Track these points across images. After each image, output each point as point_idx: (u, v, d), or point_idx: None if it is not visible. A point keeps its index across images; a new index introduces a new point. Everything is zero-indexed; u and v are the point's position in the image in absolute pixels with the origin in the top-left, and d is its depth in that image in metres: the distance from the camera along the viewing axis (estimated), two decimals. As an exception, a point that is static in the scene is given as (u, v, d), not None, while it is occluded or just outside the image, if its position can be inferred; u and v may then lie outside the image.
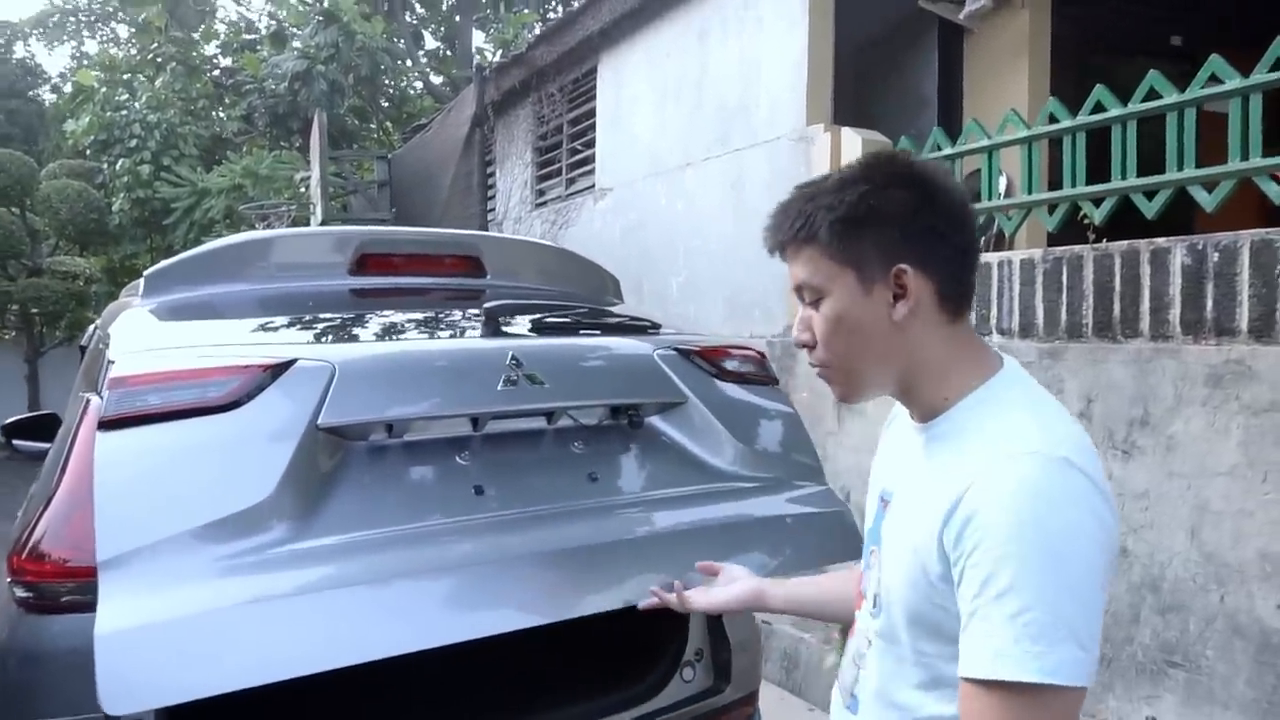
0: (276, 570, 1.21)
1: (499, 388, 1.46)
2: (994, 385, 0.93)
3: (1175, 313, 2.56)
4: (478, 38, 16.40)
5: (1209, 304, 2.48)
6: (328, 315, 1.79)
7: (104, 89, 11.77)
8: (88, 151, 12.11)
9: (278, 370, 1.35)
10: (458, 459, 1.47)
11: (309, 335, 1.66)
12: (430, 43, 16.91)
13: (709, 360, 1.72)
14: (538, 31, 8.11)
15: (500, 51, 13.92)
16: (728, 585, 1.25)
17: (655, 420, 1.66)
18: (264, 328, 1.65)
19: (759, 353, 1.82)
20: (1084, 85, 3.01)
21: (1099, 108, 2.86)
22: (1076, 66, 4.52)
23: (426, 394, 1.46)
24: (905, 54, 4.76)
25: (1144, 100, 2.74)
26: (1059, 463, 0.84)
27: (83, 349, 2.38)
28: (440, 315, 1.89)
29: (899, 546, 0.93)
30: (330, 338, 1.66)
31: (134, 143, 11.18)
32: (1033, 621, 0.78)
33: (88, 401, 1.48)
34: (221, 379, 1.31)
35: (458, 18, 16.17)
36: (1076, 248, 2.81)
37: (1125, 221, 2.84)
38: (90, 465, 1.23)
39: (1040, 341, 2.87)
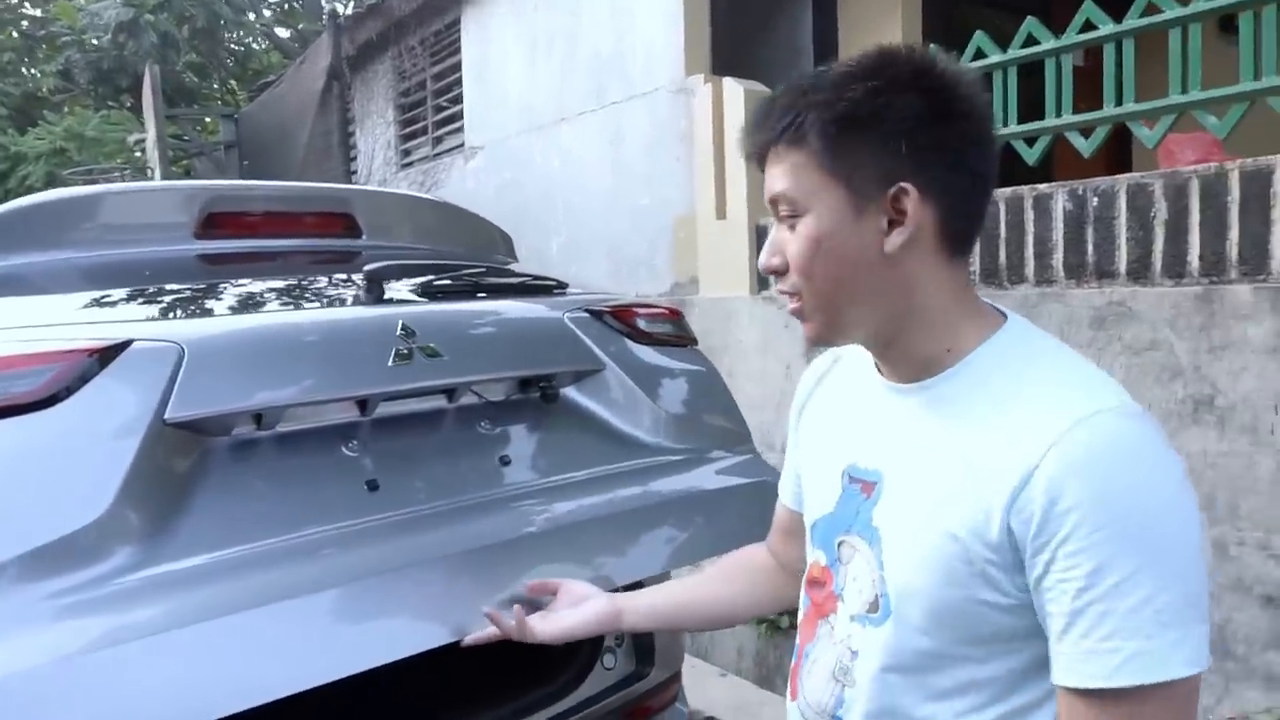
0: (121, 608, 0.96)
1: (389, 363, 1.25)
2: (1009, 336, 0.80)
3: (1059, 257, 2.62)
4: (326, -12, 15.35)
5: (1090, 248, 2.55)
6: (170, 287, 1.50)
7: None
8: None
9: (108, 355, 1.09)
10: (345, 450, 1.26)
11: (148, 312, 1.38)
12: (274, -7, 15.69)
13: (623, 321, 1.57)
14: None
15: (351, 3, 13.08)
16: (576, 606, 1.08)
17: (570, 392, 1.49)
18: (89, 304, 1.36)
19: (674, 310, 1.69)
20: (951, 36, 3.01)
21: (980, 54, 2.88)
22: (943, 17, 4.59)
23: (302, 375, 1.23)
24: (778, 2, 4.70)
25: (1023, 47, 2.77)
26: (1140, 419, 0.72)
27: None
28: (311, 282, 1.63)
29: (920, 535, 0.77)
30: (175, 313, 1.39)
31: (-73, 102, 9.92)
32: (1165, 608, 0.66)
33: None
34: (33, 369, 1.05)
35: (303, -34, 15.07)
36: (963, 195, 2.82)
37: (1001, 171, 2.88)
38: None
39: (931, 290, 2.89)
